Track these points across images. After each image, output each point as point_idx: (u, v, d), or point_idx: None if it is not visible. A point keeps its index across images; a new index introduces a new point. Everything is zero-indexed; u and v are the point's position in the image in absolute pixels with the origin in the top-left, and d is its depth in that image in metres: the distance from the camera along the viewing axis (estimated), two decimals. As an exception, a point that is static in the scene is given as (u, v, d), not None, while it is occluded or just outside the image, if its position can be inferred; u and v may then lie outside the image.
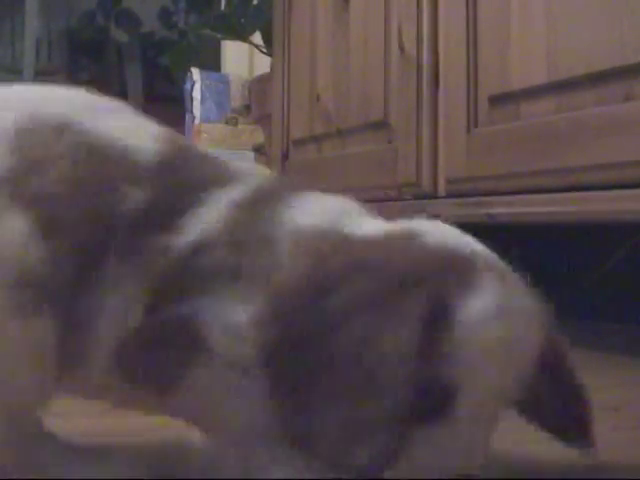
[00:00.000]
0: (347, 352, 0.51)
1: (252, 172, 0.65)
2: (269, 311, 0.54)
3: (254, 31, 2.54)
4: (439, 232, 0.57)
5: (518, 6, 1.17)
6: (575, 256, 1.81)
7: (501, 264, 0.57)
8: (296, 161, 1.85)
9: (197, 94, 3.24)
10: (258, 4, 2.50)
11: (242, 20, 2.53)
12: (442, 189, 1.34)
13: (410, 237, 0.56)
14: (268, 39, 2.35)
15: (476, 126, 1.26)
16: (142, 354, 0.56)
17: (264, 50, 2.54)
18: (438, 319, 0.52)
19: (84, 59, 4.40)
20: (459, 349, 0.52)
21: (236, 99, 3.16)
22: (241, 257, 0.56)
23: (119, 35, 4.41)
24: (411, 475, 0.53)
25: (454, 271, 0.53)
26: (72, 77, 4.33)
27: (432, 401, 0.53)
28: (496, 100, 1.22)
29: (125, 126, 0.62)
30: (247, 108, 2.96)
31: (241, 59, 3.27)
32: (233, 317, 0.55)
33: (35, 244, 0.55)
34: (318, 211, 0.59)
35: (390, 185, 1.47)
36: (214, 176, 0.62)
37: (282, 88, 1.91)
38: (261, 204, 0.59)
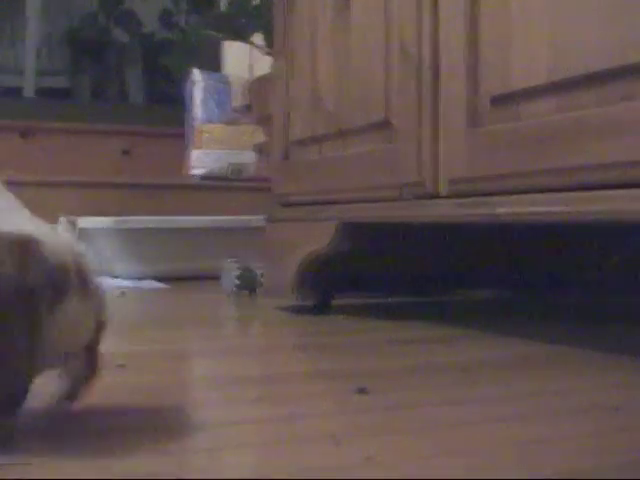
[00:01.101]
0: None
1: None
2: None
3: (254, 31, 2.54)
4: None
5: (519, 6, 1.17)
6: (578, 255, 1.81)
7: None
8: (297, 161, 1.85)
9: (198, 94, 3.25)
10: (258, 4, 2.50)
11: (242, 20, 2.53)
12: (444, 189, 1.34)
13: None
14: (269, 39, 2.36)
15: (477, 126, 1.26)
16: None
17: (265, 50, 2.54)
18: None
19: (85, 60, 4.41)
20: None
21: (237, 99, 3.17)
22: None
23: (120, 36, 4.42)
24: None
25: None
26: (73, 78, 4.33)
27: None
28: (497, 100, 1.23)
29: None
30: (248, 108, 2.97)
31: (241, 59, 3.28)
32: None
33: None
34: None
35: (392, 185, 1.47)
36: None
37: (283, 88, 1.91)
38: None
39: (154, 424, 0.87)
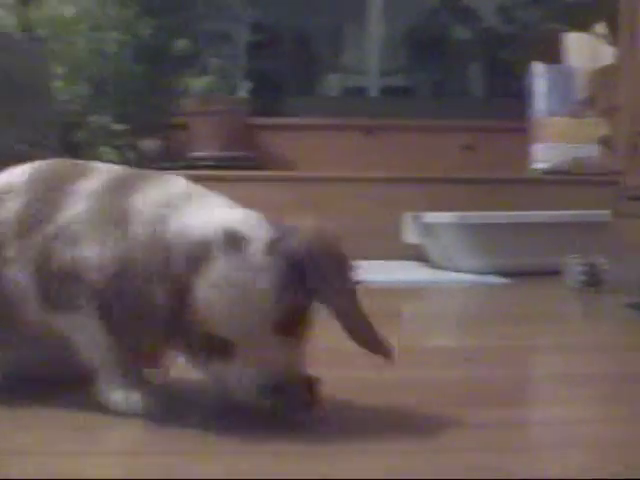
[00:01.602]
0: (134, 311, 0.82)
1: (109, 167, 0.96)
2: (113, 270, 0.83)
3: (598, 21, 2.48)
4: (195, 226, 0.83)
5: None
6: None
7: (249, 236, 0.81)
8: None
9: (540, 87, 3.22)
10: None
11: (585, 11, 2.48)
12: None
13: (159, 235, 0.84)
14: (612, 28, 2.30)
15: None
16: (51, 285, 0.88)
17: (608, 40, 2.47)
18: (183, 293, 0.79)
19: (426, 57, 4.51)
20: (208, 308, 0.78)
21: (580, 91, 3.10)
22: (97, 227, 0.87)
23: (460, 32, 4.47)
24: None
25: (189, 257, 0.79)
26: (415, 76, 4.45)
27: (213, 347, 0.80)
28: None
29: None
30: (590, 100, 2.90)
31: (583, 50, 3.20)
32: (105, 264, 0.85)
33: None
34: (158, 198, 0.88)
35: None
36: (78, 173, 0.94)
37: (629, 78, 1.86)
38: (113, 189, 0.90)
39: (500, 419, 0.90)
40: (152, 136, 3.27)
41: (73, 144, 3.04)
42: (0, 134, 2.45)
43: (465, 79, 4.40)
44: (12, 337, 0.96)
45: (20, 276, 0.91)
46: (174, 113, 3.42)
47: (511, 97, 3.73)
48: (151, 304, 0.81)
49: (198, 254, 0.79)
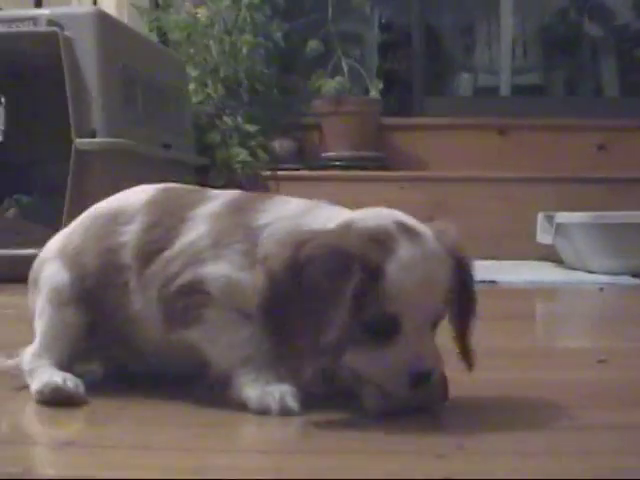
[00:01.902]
0: (314, 304, 0.84)
1: (225, 192, 1.03)
2: (265, 280, 0.85)
3: None
4: (368, 218, 0.89)
5: None
6: None
7: (418, 228, 0.88)
8: None
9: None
10: None
11: None
12: None
13: (347, 226, 0.88)
14: None
15: None
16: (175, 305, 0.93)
17: None
18: (372, 276, 0.83)
19: (558, 56, 4.44)
20: (393, 291, 0.83)
21: None
22: (222, 244, 0.93)
23: (592, 29, 4.38)
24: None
25: (376, 243, 0.85)
26: (547, 75, 4.39)
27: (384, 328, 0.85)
28: None
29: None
30: None
31: None
32: (233, 278, 0.91)
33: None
34: (284, 212, 0.94)
35: None
36: (196, 199, 1.01)
37: None
38: (232, 211, 0.97)
39: (635, 421, 0.89)
40: (284, 137, 3.32)
41: (207, 145, 3.12)
42: (140, 136, 2.54)
43: (598, 77, 4.30)
44: (126, 355, 1.04)
45: (141, 303, 0.98)
46: (306, 114, 3.47)
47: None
48: (336, 295, 0.84)
49: (383, 238, 0.85)
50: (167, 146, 2.77)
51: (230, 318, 0.92)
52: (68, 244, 1.04)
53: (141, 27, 3.32)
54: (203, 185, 3.31)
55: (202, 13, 3.29)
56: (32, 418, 0.92)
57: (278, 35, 3.33)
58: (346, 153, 3.32)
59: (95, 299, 1.00)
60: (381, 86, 3.44)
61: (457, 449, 0.77)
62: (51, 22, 2.34)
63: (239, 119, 3.21)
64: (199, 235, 0.95)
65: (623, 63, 4.22)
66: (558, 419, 0.89)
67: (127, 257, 0.99)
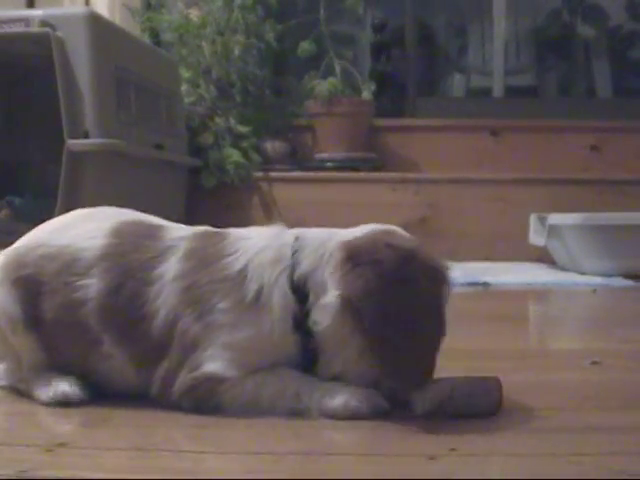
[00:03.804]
0: (413, 318, 0.86)
1: (182, 236, 1.00)
2: (356, 295, 0.86)
3: None
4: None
5: None
6: None
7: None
8: None
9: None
10: None
11: None
12: None
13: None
14: None
15: None
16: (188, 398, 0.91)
17: None
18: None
19: (551, 57, 4.45)
20: None
21: None
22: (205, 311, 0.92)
23: (585, 31, 4.39)
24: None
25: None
26: (539, 76, 4.39)
27: None
28: None
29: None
30: None
31: None
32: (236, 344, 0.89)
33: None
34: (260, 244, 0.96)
35: None
36: (154, 255, 0.96)
37: None
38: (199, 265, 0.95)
39: (631, 423, 0.89)
40: (277, 138, 3.32)
41: (200, 146, 3.12)
42: (133, 137, 2.54)
43: (591, 79, 4.31)
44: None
45: (123, 367, 0.96)
46: (299, 115, 3.47)
47: (639, 97, 3.64)
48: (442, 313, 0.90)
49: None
50: (159, 147, 2.76)
51: (255, 382, 0.90)
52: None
53: (133, 28, 3.32)
54: (195, 186, 3.28)
55: (194, 14, 3.29)
56: (26, 420, 0.92)
57: (271, 36, 3.33)
58: (339, 154, 3.31)
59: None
60: (374, 87, 3.44)
61: (449, 451, 0.77)
62: (43, 23, 2.34)
63: (231, 120, 3.21)
64: (174, 309, 0.93)
65: (616, 64, 4.23)
66: (550, 421, 0.89)
67: (91, 317, 0.96)
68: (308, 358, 0.91)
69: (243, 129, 3.19)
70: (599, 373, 1.16)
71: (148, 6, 3.52)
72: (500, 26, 4.31)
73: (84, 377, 0.99)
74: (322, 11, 3.44)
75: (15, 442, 0.83)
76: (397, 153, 3.54)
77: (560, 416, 0.91)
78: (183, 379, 0.90)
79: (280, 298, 0.90)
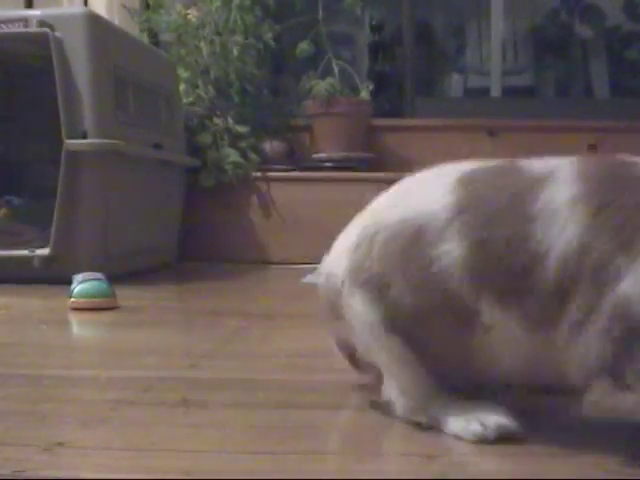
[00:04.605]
0: None
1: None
2: None
3: None
4: None
5: None
6: None
7: None
8: None
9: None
10: None
11: None
12: None
13: None
14: None
15: None
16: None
17: None
18: None
19: (549, 57, 4.45)
20: None
21: None
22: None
23: (583, 31, 4.39)
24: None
25: None
26: (537, 76, 4.40)
27: None
28: None
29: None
30: None
31: None
32: None
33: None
34: None
35: None
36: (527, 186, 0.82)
37: None
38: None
39: None
40: (275, 138, 3.32)
41: (198, 146, 3.12)
42: (131, 137, 2.54)
43: (589, 79, 4.32)
44: None
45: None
46: (297, 115, 3.47)
47: (636, 96, 3.65)
48: None
49: None
50: (158, 147, 2.76)
51: None
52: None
53: (132, 28, 3.32)
54: (194, 185, 3.28)
55: (193, 14, 3.29)
56: (22, 419, 0.92)
57: (269, 36, 3.33)
58: (337, 154, 3.31)
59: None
60: (372, 87, 3.45)
61: (447, 450, 0.78)
62: (42, 23, 2.34)
63: (230, 120, 3.21)
64: (579, 239, 0.75)
65: (614, 64, 4.24)
66: (547, 419, 0.89)
67: (458, 289, 0.79)
68: None
69: (241, 129, 3.19)
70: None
71: (146, 6, 3.52)
72: (498, 26, 4.31)
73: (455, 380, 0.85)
74: (320, 11, 3.45)
75: (13, 441, 0.83)
76: (395, 153, 3.54)
77: (556, 415, 0.91)
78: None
79: None
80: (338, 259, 0.88)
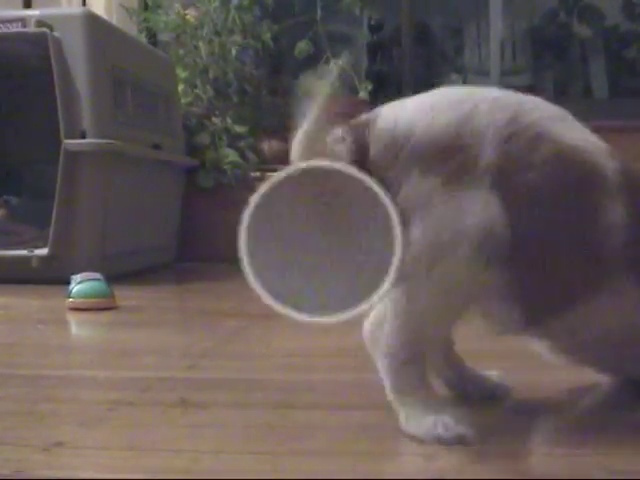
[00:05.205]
0: None
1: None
2: None
3: None
4: None
5: None
6: None
7: None
8: None
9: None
10: None
11: None
12: None
13: None
14: None
15: None
16: None
17: None
18: None
19: (548, 57, 4.45)
20: None
21: None
22: None
23: (582, 31, 4.39)
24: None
25: None
26: (536, 76, 4.40)
27: None
28: None
29: (584, 139, 0.84)
30: None
31: None
32: None
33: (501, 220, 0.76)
34: None
35: None
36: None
37: None
38: None
39: None
40: (274, 138, 3.32)
41: (197, 146, 3.12)
42: (130, 137, 2.54)
43: (588, 79, 4.32)
44: None
45: None
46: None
47: (635, 96, 3.64)
48: None
49: None
50: (157, 147, 2.76)
51: None
52: None
53: (130, 28, 3.32)
54: (193, 186, 3.27)
55: (191, 14, 3.29)
56: (21, 419, 0.92)
57: (267, 36, 3.33)
58: (336, 154, 3.32)
59: None
60: (370, 87, 3.44)
61: (446, 450, 0.78)
62: (40, 23, 2.34)
63: (228, 120, 3.21)
64: None
65: (612, 64, 4.24)
66: (547, 419, 0.89)
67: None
68: None
69: (240, 129, 3.19)
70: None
71: (145, 6, 3.52)
72: (496, 26, 4.31)
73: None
74: (319, 11, 3.45)
75: (11, 441, 0.83)
76: (394, 153, 3.54)
77: (556, 414, 0.91)
78: None
79: None
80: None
